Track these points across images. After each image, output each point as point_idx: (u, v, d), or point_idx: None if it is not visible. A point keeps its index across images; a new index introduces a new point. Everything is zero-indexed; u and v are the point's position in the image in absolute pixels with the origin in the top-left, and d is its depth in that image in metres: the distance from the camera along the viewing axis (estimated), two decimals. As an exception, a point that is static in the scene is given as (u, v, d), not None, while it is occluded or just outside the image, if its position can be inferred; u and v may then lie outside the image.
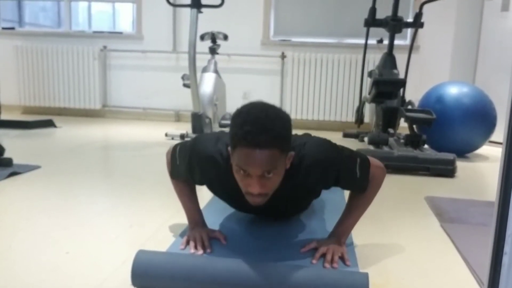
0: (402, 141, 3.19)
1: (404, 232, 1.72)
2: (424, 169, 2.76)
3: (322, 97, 4.60)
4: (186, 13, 4.42)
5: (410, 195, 2.31)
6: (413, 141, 3.09)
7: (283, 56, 4.65)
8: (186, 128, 4.07)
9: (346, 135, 4.16)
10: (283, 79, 4.71)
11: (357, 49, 4.42)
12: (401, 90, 3.54)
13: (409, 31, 4.53)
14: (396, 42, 3.57)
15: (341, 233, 1.42)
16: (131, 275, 1.16)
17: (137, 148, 3.33)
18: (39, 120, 4.16)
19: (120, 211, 1.87)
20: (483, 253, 1.28)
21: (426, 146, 3.23)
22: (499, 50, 4.06)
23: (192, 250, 1.36)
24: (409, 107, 3.51)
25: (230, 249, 1.40)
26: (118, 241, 1.53)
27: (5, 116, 4.14)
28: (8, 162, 2.48)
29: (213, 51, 4.10)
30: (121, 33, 5.02)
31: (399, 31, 3.47)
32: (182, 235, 1.52)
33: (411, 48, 3.82)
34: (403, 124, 3.58)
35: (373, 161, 1.43)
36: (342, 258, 1.33)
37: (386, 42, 3.57)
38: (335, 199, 1.96)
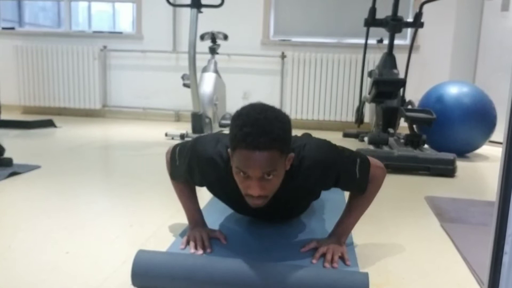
0: (402, 141, 3.19)
1: (404, 232, 1.72)
2: (424, 169, 2.76)
3: (322, 97, 4.60)
4: (186, 13, 4.43)
5: (410, 195, 2.31)
6: (413, 141, 3.09)
7: (283, 56, 4.66)
8: (186, 128, 4.07)
9: (346, 135, 4.16)
10: (283, 79, 4.71)
11: (357, 49, 4.42)
12: (401, 90, 3.54)
13: (409, 31, 4.53)
14: (396, 42, 3.57)
15: (341, 233, 1.42)
16: (131, 275, 1.16)
17: (137, 148, 3.33)
18: (39, 120, 4.16)
19: (120, 211, 1.87)
20: (483, 253, 1.28)
21: (426, 146, 3.23)
22: (499, 50, 4.06)
23: (192, 250, 1.36)
24: (409, 107, 3.51)
25: (230, 249, 1.40)
26: (118, 241, 1.53)
27: (5, 116, 4.14)
28: (8, 162, 2.48)
29: (213, 51, 4.10)
30: (121, 33, 5.02)
31: (399, 31, 3.48)
32: (182, 235, 1.52)
33: (411, 48, 3.83)
34: (403, 124, 3.58)
35: (373, 161, 1.43)
36: (342, 258, 1.33)
37: (386, 42, 3.57)
38: (335, 199, 1.96)
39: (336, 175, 1.35)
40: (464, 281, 1.31)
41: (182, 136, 3.75)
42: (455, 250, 1.54)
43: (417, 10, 3.54)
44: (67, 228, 1.63)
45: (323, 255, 1.34)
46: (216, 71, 4.03)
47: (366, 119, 4.29)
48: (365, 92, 4.05)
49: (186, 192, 1.52)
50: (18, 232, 1.58)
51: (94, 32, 5.03)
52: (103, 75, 4.97)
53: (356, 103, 4.38)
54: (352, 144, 3.48)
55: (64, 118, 4.76)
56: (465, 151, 3.41)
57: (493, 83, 4.00)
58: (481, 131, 3.33)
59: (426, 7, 3.57)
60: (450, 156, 2.78)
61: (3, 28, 5.13)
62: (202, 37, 3.98)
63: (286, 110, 4.45)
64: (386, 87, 3.28)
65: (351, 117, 4.55)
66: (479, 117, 3.30)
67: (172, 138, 3.78)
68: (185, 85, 3.66)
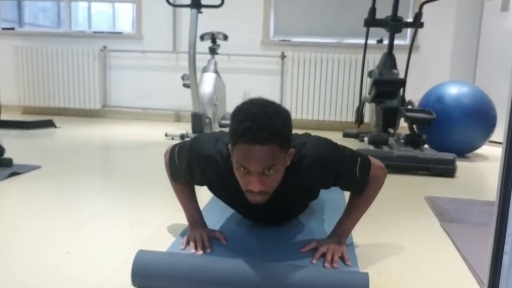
0: (402, 141, 3.19)
1: (404, 232, 1.72)
2: (424, 169, 2.76)
3: (322, 97, 4.60)
4: (186, 13, 4.42)
5: (410, 195, 2.31)
6: (413, 141, 3.09)
7: (283, 56, 4.66)
8: (186, 128, 4.06)
9: (346, 135, 4.16)
10: (283, 79, 4.71)
11: (357, 49, 4.42)
12: (401, 90, 3.54)
13: (409, 31, 4.53)
14: (396, 42, 3.57)
15: (341, 233, 1.42)
16: (131, 275, 1.16)
17: (137, 148, 3.33)
18: (39, 120, 4.16)
19: (120, 211, 1.87)
20: (483, 253, 1.28)
21: (426, 146, 3.23)
22: (499, 50, 4.06)
23: (192, 250, 1.36)
24: (409, 107, 3.51)
25: (230, 249, 1.40)
26: (118, 241, 1.53)
27: (5, 116, 4.14)
28: (8, 162, 2.48)
29: (213, 51, 4.10)
30: (121, 33, 5.02)
31: (399, 31, 3.48)
32: (182, 235, 1.52)
33: (411, 48, 3.83)
34: (403, 124, 3.58)
35: (374, 161, 1.43)
36: (342, 258, 1.33)
37: (386, 42, 3.57)
38: (335, 199, 1.96)
39: (336, 173, 1.34)
40: (464, 281, 1.31)
41: (182, 136, 3.75)
42: (455, 250, 1.54)
43: (417, 10, 3.54)
44: (67, 228, 1.63)
45: (323, 255, 1.33)
46: (216, 71, 4.03)
47: (366, 119, 4.29)
48: (365, 92, 4.05)
49: (185, 193, 1.52)
50: (18, 232, 1.58)
51: (94, 32, 5.03)
52: (103, 75, 4.97)
53: (356, 103, 4.38)
54: (352, 144, 3.47)
55: (64, 118, 4.76)
56: (465, 151, 3.41)
57: (493, 83, 4.00)
58: (481, 131, 3.33)
59: (426, 7, 3.57)
60: (450, 156, 2.78)
61: (3, 29, 5.13)
62: (202, 37, 3.98)
63: (286, 110, 4.44)
64: (386, 87, 3.28)
65: (351, 117, 4.55)
66: (479, 117, 3.30)
67: (172, 138, 3.78)
68: (185, 85, 3.66)
